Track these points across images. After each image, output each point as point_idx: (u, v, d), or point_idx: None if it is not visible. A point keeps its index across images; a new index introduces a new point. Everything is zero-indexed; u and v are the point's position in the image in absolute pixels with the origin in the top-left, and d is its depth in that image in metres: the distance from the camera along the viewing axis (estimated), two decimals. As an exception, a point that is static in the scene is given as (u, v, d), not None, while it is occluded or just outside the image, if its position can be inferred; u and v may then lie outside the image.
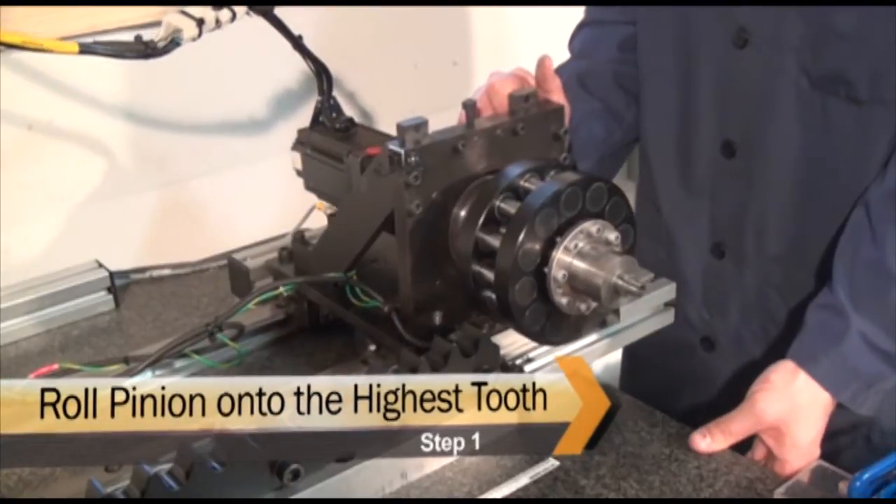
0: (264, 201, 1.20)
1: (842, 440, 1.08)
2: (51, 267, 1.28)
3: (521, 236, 0.88)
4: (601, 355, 1.05)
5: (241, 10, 1.06)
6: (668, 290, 1.11)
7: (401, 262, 0.96)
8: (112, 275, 1.28)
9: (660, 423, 1.00)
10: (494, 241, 0.91)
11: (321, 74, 1.17)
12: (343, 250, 1.06)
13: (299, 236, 1.16)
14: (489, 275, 0.92)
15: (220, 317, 1.05)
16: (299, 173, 1.18)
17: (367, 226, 1.01)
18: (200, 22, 1.01)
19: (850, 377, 0.98)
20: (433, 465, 0.93)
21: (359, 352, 1.07)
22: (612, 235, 0.92)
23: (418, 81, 1.76)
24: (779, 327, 1.13)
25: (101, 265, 1.29)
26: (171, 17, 1.02)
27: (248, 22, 1.09)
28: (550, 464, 0.94)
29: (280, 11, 1.54)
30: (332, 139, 1.14)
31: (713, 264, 1.17)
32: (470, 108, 0.98)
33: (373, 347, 1.04)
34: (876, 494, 0.85)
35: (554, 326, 0.94)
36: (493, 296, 0.92)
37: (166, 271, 1.37)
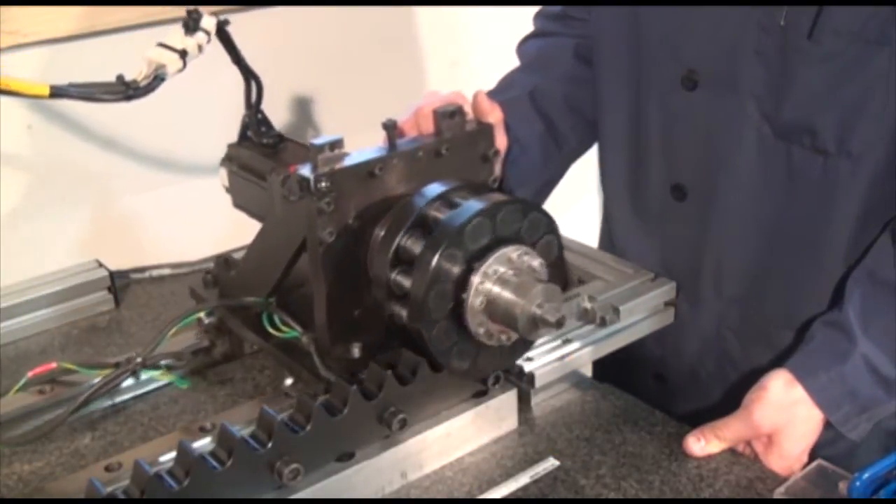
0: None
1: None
2: (51, 267, 1.28)
3: (433, 264, 0.82)
4: (599, 355, 1.05)
5: (212, 27, 1.01)
6: (667, 290, 1.11)
7: (315, 291, 0.91)
8: (112, 275, 1.28)
9: (660, 423, 1.00)
10: (408, 272, 0.86)
11: (250, 85, 1.10)
12: (264, 275, 1.00)
13: (223, 260, 1.10)
14: (403, 306, 0.86)
15: (141, 352, 1.00)
16: (228, 190, 1.14)
17: (284, 250, 0.96)
18: (183, 53, 0.96)
19: (845, 398, 0.96)
20: (433, 464, 0.94)
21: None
22: (536, 262, 0.86)
23: (418, 81, 1.76)
24: (736, 368, 1.12)
25: (101, 265, 1.29)
26: (152, 52, 0.96)
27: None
28: (550, 464, 0.94)
29: (281, 11, 1.55)
30: (258, 155, 1.09)
31: None
32: (390, 128, 0.91)
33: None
34: (876, 494, 0.85)
35: (471, 357, 0.89)
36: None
37: (166, 271, 1.37)
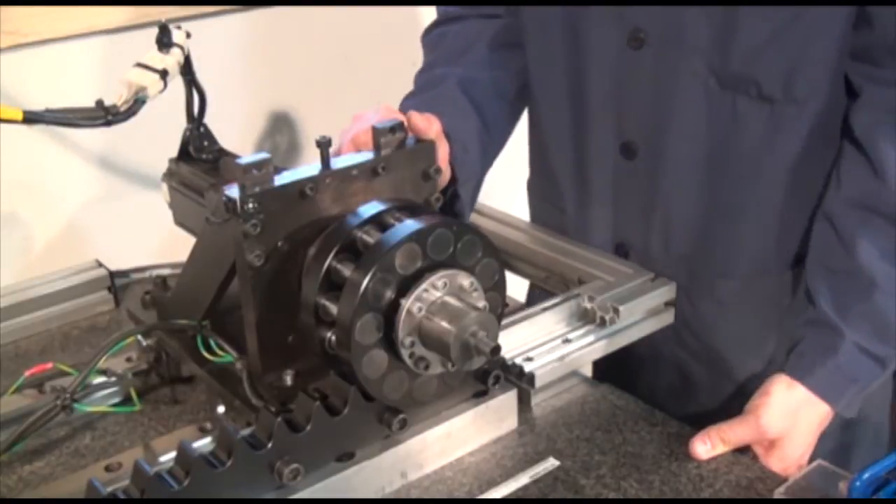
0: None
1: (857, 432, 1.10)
2: (51, 267, 1.28)
3: (360, 291, 0.78)
4: (600, 355, 1.05)
5: (184, 40, 0.99)
6: (667, 290, 1.11)
7: (246, 316, 0.87)
8: (112, 274, 1.28)
9: (660, 423, 1.00)
10: (336, 297, 0.82)
11: (192, 98, 1.07)
12: (197, 298, 0.96)
13: (160, 280, 1.07)
14: (333, 332, 0.83)
15: (69, 387, 0.95)
16: (169, 206, 1.11)
17: (215, 273, 0.92)
18: (164, 73, 0.93)
19: (847, 385, 0.98)
20: (433, 464, 0.94)
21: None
22: (467, 281, 0.83)
23: (418, 81, 1.76)
24: (688, 326, 1.14)
25: (101, 265, 1.29)
26: (131, 74, 0.93)
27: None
28: (550, 464, 0.94)
29: (280, 11, 1.55)
30: (198, 171, 1.06)
31: None
32: (324, 146, 0.86)
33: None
34: (876, 494, 0.85)
35: (406, 386, 0.85)
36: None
37: (166, 271, 1.37)
